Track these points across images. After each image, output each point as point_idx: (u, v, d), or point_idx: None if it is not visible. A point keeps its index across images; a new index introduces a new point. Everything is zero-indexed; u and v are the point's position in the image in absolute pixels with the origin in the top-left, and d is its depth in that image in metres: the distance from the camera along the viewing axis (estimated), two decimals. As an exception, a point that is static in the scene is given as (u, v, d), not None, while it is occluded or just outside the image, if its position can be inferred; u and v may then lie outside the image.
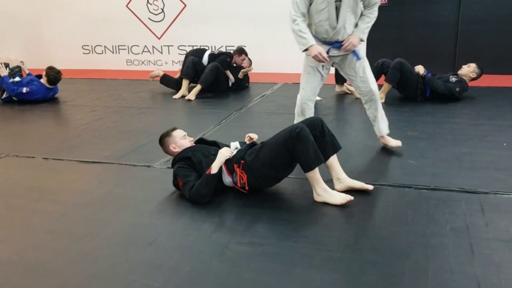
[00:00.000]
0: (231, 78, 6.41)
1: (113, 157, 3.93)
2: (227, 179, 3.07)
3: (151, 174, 3.57)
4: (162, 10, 8.05)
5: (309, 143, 2.84)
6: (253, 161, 2.97)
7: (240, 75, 6.44)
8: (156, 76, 6.60)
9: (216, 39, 7.81)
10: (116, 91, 6.66)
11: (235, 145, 3.20)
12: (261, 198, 3.00)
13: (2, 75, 5.97)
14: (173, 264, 2.32)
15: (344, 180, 3.07)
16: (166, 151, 3.30)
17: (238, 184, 3.02)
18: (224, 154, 3.01)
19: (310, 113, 3.74)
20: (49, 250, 2.50)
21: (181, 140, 3.24)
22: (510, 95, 5.67)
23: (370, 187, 3.06)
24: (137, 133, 4.62)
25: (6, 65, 6.25)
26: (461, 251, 2.36)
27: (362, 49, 3.69)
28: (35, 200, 3.14)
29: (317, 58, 3.44)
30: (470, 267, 2.22)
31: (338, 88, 6.02)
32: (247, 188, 3.00)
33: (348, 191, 3.02)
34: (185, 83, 6.26)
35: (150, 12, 8.11)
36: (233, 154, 3.07)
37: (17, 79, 6.16)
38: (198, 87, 6.15)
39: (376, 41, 6.17)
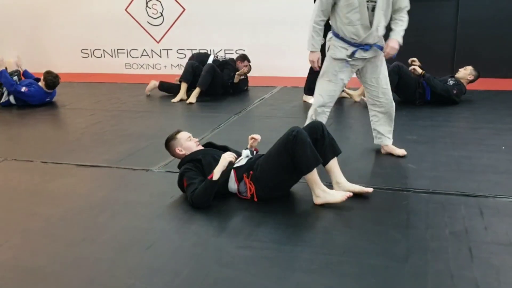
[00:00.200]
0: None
1: (112, 161, 3.92)
2: (233, 185, 3.04)
3: (150, 178, 3.57)
4: (161, 14, 8.06)
5: (307, 145, 2.84)
6: (261, 172, 2.95)
7: (236, 78, 6.45)
8: (154, 88, 6.60)
9: (215, 43, 7.81)
10: (115, 95, 6.66)
11: (246, 153, 3.16)
12: (260, 202, 2.99)
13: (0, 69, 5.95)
14: (171, 268, 2.31)
15: (343, 184, 3.06)
16: (173, 154, 3.29)
17: (248, 195, 3.00)
18: (226, 158, 2.98)
19: (324, 118, 3.68)
20: (47, 254, 2.50)
21: (187, 142, 3.23)
22: (508, 99, 5.68)
23: (370, 189, 3.05)
24: (136, 137, 4.62)
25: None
26: (460, 255, 2.35)
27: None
28: (33, 204, 3.13)
29: (312, 64, 3.59)
30: (469, 270, 2.22)
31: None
32: (255, 199, 2.98)
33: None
34: (183, 86, 6.27)
35: (149, 16, 8.12)
36: (236, 158, 3.05)
37: (15, 79, 6.16)
38: (197, 90, 6.15)
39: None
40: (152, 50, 8.29)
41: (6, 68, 6.20)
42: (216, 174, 2.91)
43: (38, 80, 6.21)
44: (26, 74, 6.52)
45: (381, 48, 3.52)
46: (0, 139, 4.79)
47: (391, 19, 3.48)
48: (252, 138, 3.27)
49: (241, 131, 4.60)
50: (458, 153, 3.84)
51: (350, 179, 3.12)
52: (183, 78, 6.32)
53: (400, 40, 3.46)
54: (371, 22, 3.37)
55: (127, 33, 8.24)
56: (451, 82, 5.50)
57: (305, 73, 7.01)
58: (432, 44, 6.98)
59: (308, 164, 2.86)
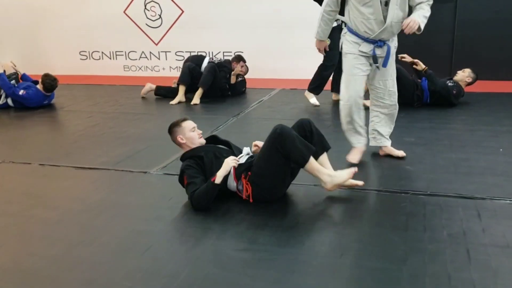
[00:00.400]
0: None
1: (110, 163, 3.92)
2: (232, 183, 3.03)
3: (148, 180, 3.56)
4: (160, 16, 8.06)
5: (294, 138, 2.84)
6: (255, 176, 2.95)
7: (232, 79, 6.45)
8: (149, 91, 6.60)
9: (214, 45, 7.81)
10: (113, 97, 6.66)
11: (247, 150, 3.16)
12: (258, 204, 2.99)
13: None
14: (169, 271, 2.31)
15: (336, 176, 2.98)
16: (173, 140, 3.27)
17: (244, 196, 3.00)
18: (229, 163, 2.96)
19: (359, 117, 3.62)
20: (45, 256, 2.49)
21: (190, 132, 3.21)
22: (506, 101, 5.69)
23: (361, 183, 3.03)
24: (134, 139, 4.61)
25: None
26: (458, 257, 2.35)
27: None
28: (31, 207, 3.12)
29: (319, 50, 3.78)
30: (467, 272, 2.22)
31: (334, 97, 6.02)
32: (251, 200, 2.98)
33: (345, 198, 3.01)
34: (181, 89, 6.27)
35: (148, 18, 8.12)
36: (238, 163, 3.03)
37: (13, 83, 6.16)
38: (200, 90, 6.18)
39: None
40: (150, 52, 8.29)
41: (4, 71, 6.20)
42: (219, 178, 2.90)
43: (36, 82, 6.20)
44: (24, 77, 6.51)
45: (389, 52, 3.46)
46: (-2, 141, 4.78)
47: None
48: (256, 145, 3.26)
49: (239, 133, 4.60)
50: (456, 155, 3.85)
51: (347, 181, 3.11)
52: (180, 80, 6.32)
53: (422, 25, 3.24)
54: (385, 17, 3.30)
55: (125, 35, 8.23)
56: (449, 84, 5.51)
57: (303, 75, 7.03)
58: (431, 46, 6.98)
59: (303, 155, 2.85)
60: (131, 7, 8.12)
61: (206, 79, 6.19)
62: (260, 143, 3.21)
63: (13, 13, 8.60)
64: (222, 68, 6.41)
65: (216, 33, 7.75)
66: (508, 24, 6.76)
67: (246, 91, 6.73)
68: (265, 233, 2.65)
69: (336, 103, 5.93)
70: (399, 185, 3.27)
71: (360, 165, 3.68)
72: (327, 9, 3.52)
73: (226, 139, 3.34)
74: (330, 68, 5.59)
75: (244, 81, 6.70)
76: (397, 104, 3.75)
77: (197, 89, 6.22)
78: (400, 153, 3.79)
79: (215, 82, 6.27)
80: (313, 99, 5.74)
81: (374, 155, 3.90)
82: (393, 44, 3.54)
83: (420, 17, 3.25)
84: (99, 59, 8.56)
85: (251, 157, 3.10)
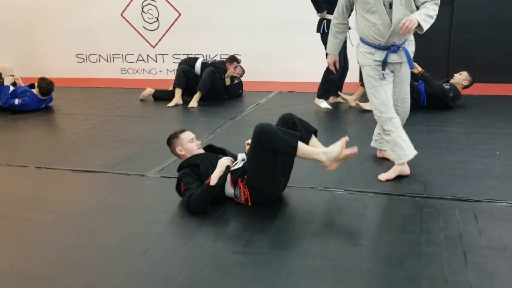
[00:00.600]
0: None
1: (107, 166, 3.91)
2: (229, 190, 3.04)
3: (145, 183, 3.56)
4: (157, 19, 8.07)
5: (276, 131, 2.84)
6: (250, 178, 2.96)
7: (227, 81, 6.46)
8: (149, 95, 6.61)
9: (211, 48, 7.83)
10: (110, 100, 6.65)
11: (242, 157, 3.16)
12: (255, 207, 2.99)
13: None
14: (166, 274, 2.31)
15: (330, 151, 2.90)
16: (173, 152, 3.29)
17: (242, 200, 3.01)
18: (223, 164, 2.98)
19: (394, 125, 3.39)
20: (41, 260, 2.48)
21: (188, 144, 3.22)
22: (502, 104, 5.70)
23: (354, 149, 2.88)
24: (131, 142, 4.61)
25: None
26: (455, 259, 2.36)
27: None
28: (27, 210, 3.11)
29: (329, 66, 3.76)
30: (463, 275, 2.23)
31: (332, 100, 6.03)
32: (250, 204, 2.98)
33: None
34: (178, 92, 6.29)
35: (145, 20, 8.12)
36: (233, 162, 3.05)
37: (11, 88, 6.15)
38: (198, 94, 6.19)
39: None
40: (147, 55, 8.29)
41: (0, 74, 6.19)
42: (214, 179, 2.91)
43: (32, 86, 6.18)
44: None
45: (408, 54, 3.37)
46: (-5, 144, 4.77)
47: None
48: (249, 144, 3.26)
49: (236, 136, 4.60)
50: (453, 158, 3.86)
51: (344, 183, 3.12)
52: (176, 83, 6.35)
53: (422, 22, 3.08)
54: (391, 20, 3.23)
55: (122, 38, 8.24)
56: (446, 86, 5.53)
57: (301, 78, 7.05)
58: (427, 49, 6.99)
59: (290, 143, 2.82)
60: (128, 10, 8.13)
61: (206, 83, 6.20)
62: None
63: (9, 16, 8.59)
64: (217, 69, 6.42)
65: (213, 36, 7.76)
66: (504, 27, 6.79)
67: (243, 94, 6.73)
68: (262, 235, 2.66)
69: (334, 104, 5.96)
70: (396, 188, 3.27)
71: (357, 167, 3.69)
72: (334, 22, 3.56)
73: (222, 147, 3.36)
74: (336, 70, 5.59)
75: (240, 83, 6.70)
76: (409, 109, 3.68)
77: (192, 90, 6.24)
78: None
79: (212, 85, 6.29)
80: (323, 104, 5.73)
81: (371, 158, 3.90)
82: (410, 48, 3.51)
83: (421, 16, 3.12)
84: (96, 61, 8.56)
85: (246, 162, 3.11)
